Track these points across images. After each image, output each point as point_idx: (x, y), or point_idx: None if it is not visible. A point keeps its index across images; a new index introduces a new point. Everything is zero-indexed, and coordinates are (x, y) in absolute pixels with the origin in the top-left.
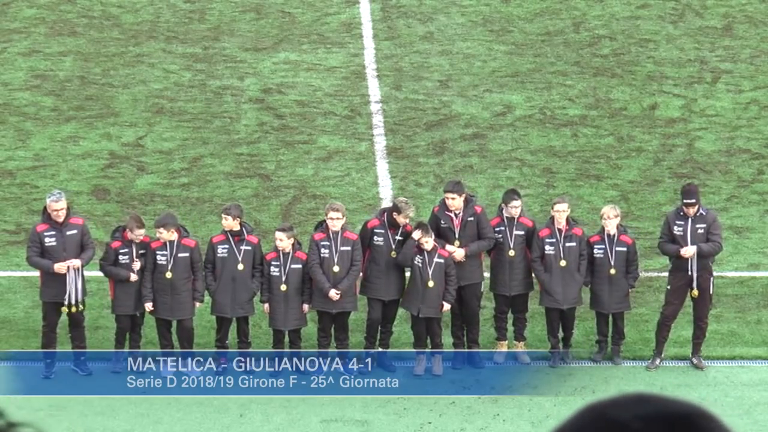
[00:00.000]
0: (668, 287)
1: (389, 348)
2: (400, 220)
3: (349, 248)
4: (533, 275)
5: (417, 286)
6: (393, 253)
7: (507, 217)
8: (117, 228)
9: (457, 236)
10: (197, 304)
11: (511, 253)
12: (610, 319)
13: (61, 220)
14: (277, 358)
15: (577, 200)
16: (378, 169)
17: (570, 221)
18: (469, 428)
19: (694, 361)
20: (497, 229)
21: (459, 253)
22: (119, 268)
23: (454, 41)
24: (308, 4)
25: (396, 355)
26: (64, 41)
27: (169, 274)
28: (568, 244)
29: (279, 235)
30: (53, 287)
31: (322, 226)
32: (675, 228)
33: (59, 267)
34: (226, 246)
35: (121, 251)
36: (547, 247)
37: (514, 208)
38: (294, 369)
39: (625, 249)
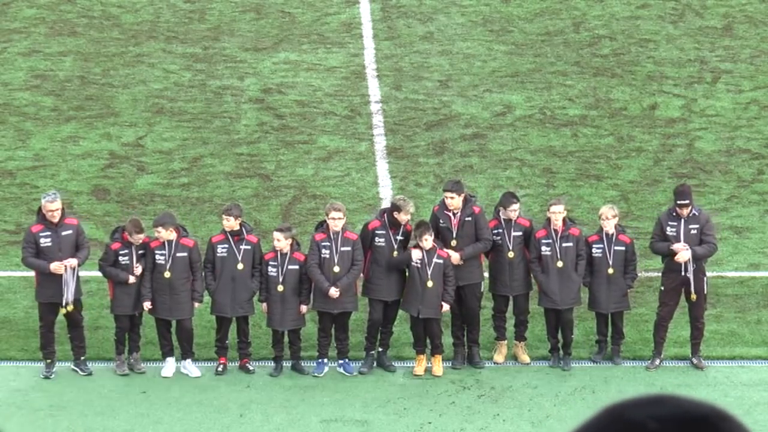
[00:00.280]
0: (662, 288)
1: (389, 348)
2: (402, 218)
3: (349, 248)
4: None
5: (416, 286)
6: (395, 252)
7: (504, 219)
8: (116, 228)
9: (454, 236)
10: (196, 305)
11: (511, 254)
12: (609, 319)
13: (56, 220)
14: (277, 358)
15: (577, 200)
16: (378, 169)
17: (567, 221)
18: (469, 428)
19: (694, 361)
20: (495, 231)
21: (455, 257)
22: (118, 269)
23: (454, 41)
24: (308, 4)
25: (396, 355)
26: (64, 41)
27: (167, 274)
28: (564, 245)
29: (277, 235)
30: (49, 287)
31: (322, 226)
32: (668, 228)
33: (56, 267)
34: (226, 245)
35: (121, 252)
36: (543, 248)
37: (513, 211)
38: (294, 369)
39: (623, 249)
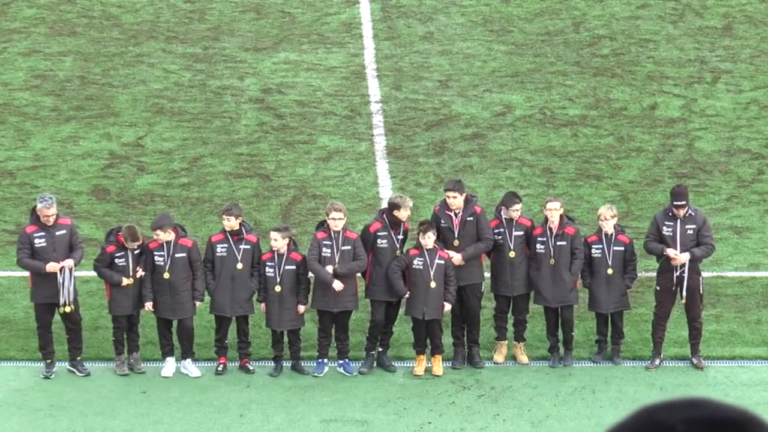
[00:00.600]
0: (657, 288)
1: (389, 348)
2: (402, 215)
3: (350, 247)
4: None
5: (419, 288)
6: (398, 252)
7: (506, 219)
8: (111, 231)
9: (456, 236)
10: (197, 304)
11: (512, 254)
12: (609, 318)
13: (50, 224)
14: (277, 358)
15: (577, 200)
16: (378, 169)
17: (564, 220)
18: (469, 428)
19: (694, 361)
20: (496, 231)
21: (457, 258)
22: (113, 271)
23: (454, 41)
24: (308, 4)
25: (396, 355)
26: (64, 41)
27: (167, 275)
28: (558, 243)
29: (274, 235)
30: (44, 288)
31: (323, 226)
32: (664, 228)
33: (52, 267)
34: (225, 245)
35: (117, 255)
36: (538, 246)
37: (516, 211)
38: (294, 369)
39: (622, 248)
